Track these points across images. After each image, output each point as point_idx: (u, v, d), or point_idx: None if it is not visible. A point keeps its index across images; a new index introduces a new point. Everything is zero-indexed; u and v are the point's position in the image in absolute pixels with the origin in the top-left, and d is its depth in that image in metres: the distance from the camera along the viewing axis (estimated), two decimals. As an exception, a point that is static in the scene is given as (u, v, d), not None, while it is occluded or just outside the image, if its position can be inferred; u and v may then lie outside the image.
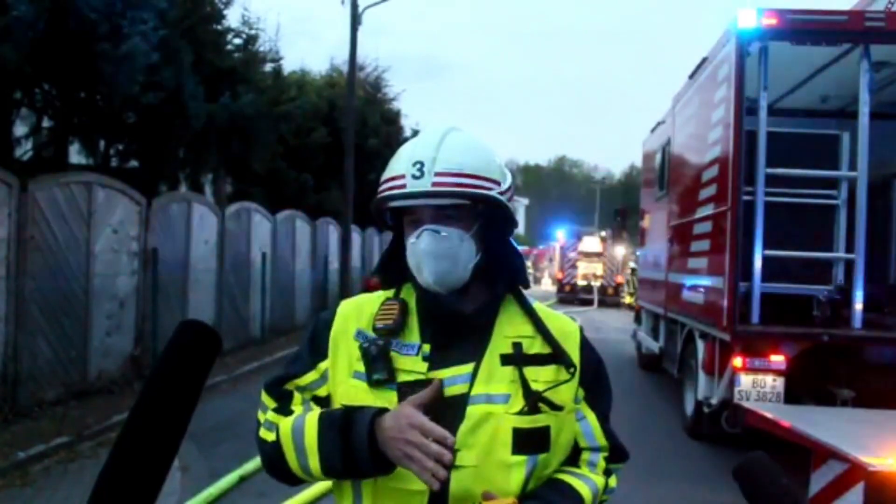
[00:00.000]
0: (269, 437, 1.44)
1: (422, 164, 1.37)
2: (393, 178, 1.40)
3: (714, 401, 6.78)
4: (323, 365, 1.46)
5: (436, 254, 1.37)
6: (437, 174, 1.36)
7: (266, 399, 1.49)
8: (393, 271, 1.52)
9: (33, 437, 6.38)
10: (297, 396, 1.47)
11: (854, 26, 6.12)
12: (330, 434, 1.34)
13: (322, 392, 1.46)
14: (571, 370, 1.43)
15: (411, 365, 1.39)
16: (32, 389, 7.22)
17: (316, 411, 1.41)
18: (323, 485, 4.37)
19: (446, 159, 1.38)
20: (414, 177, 1.36)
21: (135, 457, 0.82)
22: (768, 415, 5.67)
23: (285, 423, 1.42)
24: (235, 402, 8.65)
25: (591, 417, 1.48)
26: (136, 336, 9.22)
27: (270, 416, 1.46)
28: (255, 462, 5.68)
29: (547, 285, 37.74)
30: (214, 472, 5.78)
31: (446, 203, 1.38)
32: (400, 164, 1.41)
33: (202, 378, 0.88)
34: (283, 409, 1.45)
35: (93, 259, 8.26)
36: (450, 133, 1.43)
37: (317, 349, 1.48)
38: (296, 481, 1.46)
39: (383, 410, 1.34)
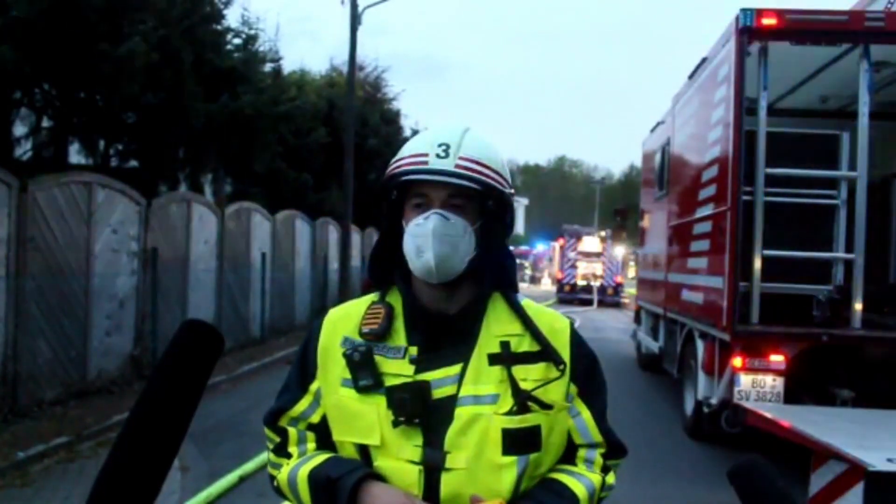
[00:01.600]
0: (274, 473, 1.50)
1: (447, 146, 1.40)
2: (414, 156, 1.42)
3: (714, 401, 6.78)
4: (314, 386, 1.47)
5: (441, 236, 1.37)
6: (461, 157, 1.39)
7: (268, 433, 1.52)
8: (382, 270, 1.52)
9: (33, 437, 6.37)
10: (292, 433, 1.49)
11: (854, 26, 6.13)
12: (319, 500, 1.38)
13: (315, 418, 1.47)
14: (561, 367, 1.42)
15: (398, 368, 1.39)
16: (32, 389, 7.22)
17: (307, 467, 1.42)
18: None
19: (471, 147, 1.42)
20: (438, 156, 1.39)
21: (135, 457, 0.82)
22: (768, 415, 5.67)
23: (282, 474, 1.46)
24: (235, 402, 8.66)
25: (586, 414, 1.47)
26: (135, 336, 9.22)
27: (272, 456, 1.51)
28: (255, 462, 5.67)
29: (547, 285, 37.80)
30: (214, 472, 5.77)
31: (466, 185, 1.38)
32: (422, 144, 1.43)
33: (204, 378, 0.88)
34: (282, 449, 1.50)
35: (93, 259, 8.25)
36: (471, 129, 1.47)
37: (306, 369, 1.49)
38: None
39: (374, 475, 1.36)
